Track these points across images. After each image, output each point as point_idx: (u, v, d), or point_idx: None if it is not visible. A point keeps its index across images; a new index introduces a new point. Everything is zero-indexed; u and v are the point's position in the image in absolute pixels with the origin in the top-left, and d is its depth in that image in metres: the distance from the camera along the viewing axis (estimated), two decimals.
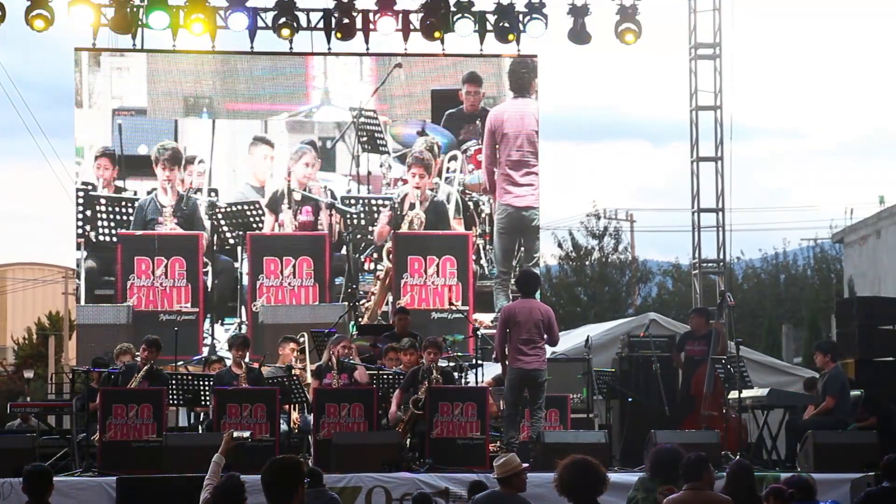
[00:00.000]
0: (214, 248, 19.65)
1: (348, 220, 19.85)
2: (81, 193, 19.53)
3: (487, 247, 19.98)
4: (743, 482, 9.56)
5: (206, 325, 19.55)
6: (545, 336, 14.45)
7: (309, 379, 15.36)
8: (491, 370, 16.96)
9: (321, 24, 18.89)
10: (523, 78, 20.05)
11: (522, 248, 20.02)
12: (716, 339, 16.39)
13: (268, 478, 7.37)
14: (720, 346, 16.59)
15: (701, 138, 20.58)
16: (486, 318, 19.33)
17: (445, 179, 19.91)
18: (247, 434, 10.06)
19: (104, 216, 19.44)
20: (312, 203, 19.79)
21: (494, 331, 15.43)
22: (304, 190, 19.70)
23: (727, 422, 15.76)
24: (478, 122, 20.08)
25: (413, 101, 20.08)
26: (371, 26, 18.91)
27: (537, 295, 15.73)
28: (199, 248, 19.57)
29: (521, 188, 20.00)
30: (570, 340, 20.36)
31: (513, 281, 18.65)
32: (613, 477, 13.18)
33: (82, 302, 19.67)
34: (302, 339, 16.28)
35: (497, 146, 19.95)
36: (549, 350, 15.33)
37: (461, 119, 20.07)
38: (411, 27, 19.07)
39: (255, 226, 19.68)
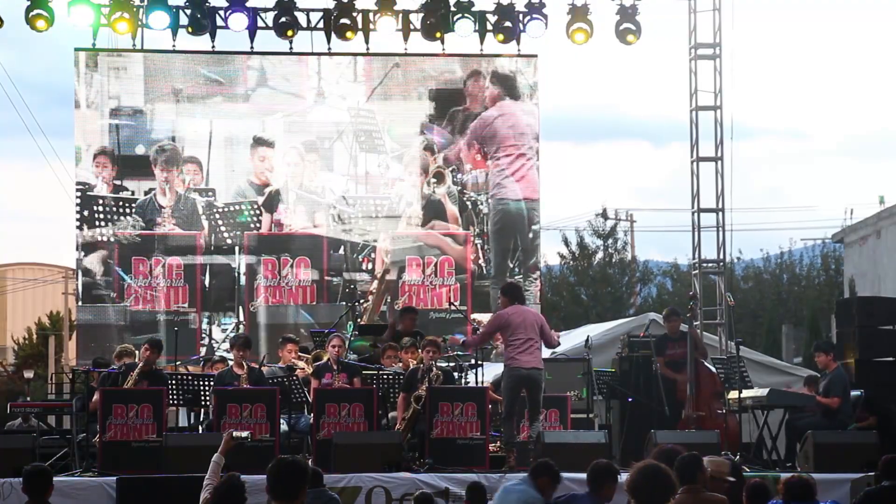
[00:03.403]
0: (212, 247, 19.64)
1: (346, 221, 19.87)
2: (80, 193, 19.52)
3: (486, 246, 19.97)
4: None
5: (204, 325, 19.54)
6: (539, 335, 14.47)
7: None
8: (491, 370, 16.95)
9: (321, 24, 18.92)
10: (515, 84, 20.03)
11: (520, 248, 19.95)
12: (692, 342, 16.29)
13: (274, 475, 7.38)
14: (699, 349, 16.50)
15: (701, 138, 20.57)
16: (484, 317, 19.31)
17: (437, 177, 19.92)
18: (246, 434, 10.06)
19: (103, 216, 19.44)
20: (308, 203, 19.81)
21: None
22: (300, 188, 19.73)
23: (726, 422, 15.74)
24: (476, 105, 20.04)
25: (412, 99, 20.07)
26: (371, 26, 18.91)
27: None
28: (196, 248, 19.57)
29: (516, 183, 19.98)
30: (570, 340, 20.37)
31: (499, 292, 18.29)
32: None
33: (80, 302, 19.67)
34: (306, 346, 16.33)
35: (483, 146, 19.93)
36: (548, 350, 15.31)
37: (464, 117, 20.04)
38: (411, 27, 19.08)
39: (252, 225, 19.68)
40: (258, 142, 19.82)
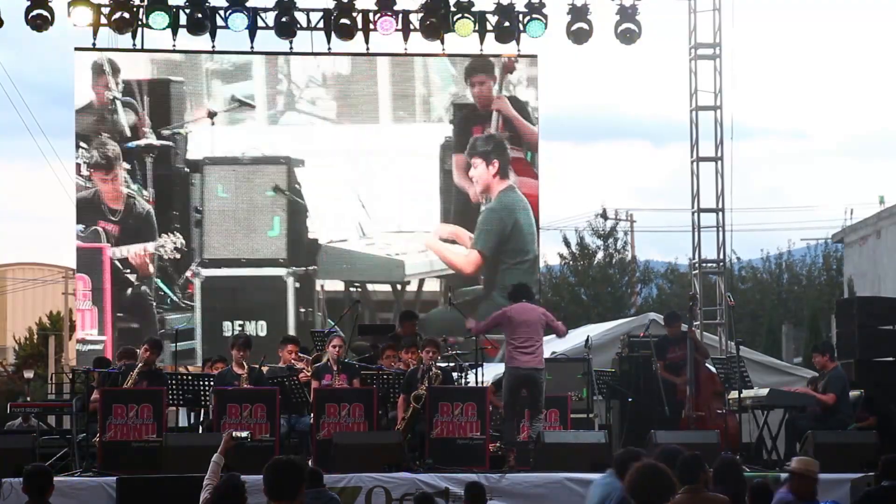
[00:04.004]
0: (244, 260, 19.85)
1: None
2: (80, 194, 19.57)
3: (486, 249, 20.04)
4: (731, 477, 9.49)
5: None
6: (542, 335, 14.48)
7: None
8: (491, 370, 16.95)
9: (321, 24, 18.93)
10: (527, 108, 20.14)
11: (521, 259, 20.03)
12: (691, 344, 16.30)
13: (270, 475, 7.38)
14: (700, 351, 16.49)
15: (701, 138, 20.57)
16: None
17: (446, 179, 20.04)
18: (245, 434, 10.06)
19: (103, 217, 19.52)
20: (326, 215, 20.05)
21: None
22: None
23: (726, 422, 15.73)
24: (489, 126, 20.04)
25: (425, 109, 20.15)
26: (371, 26, 18.92)
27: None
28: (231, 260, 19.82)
29: (523, 198, 20.05)
30: (570, 340, 20.32)
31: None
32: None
33: (79, 302, 19.78)
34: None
35: (489, 159, 20.02)
36: (548, 350, 15.32)
37: (471, 119, 20.08)
38: (411, 27, 19.08)
39: (268, 235, 19.89)
40: (280, 158, 19.92)
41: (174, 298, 19.51)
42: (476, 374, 15.72)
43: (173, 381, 15.11)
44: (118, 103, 19.59)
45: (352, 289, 19.85)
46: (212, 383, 15.00)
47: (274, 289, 19.62)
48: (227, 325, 19.33)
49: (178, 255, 19.54)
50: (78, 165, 19.57)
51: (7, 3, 17.74)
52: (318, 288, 19.71)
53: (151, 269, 19.47)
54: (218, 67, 19.87)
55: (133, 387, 14.57)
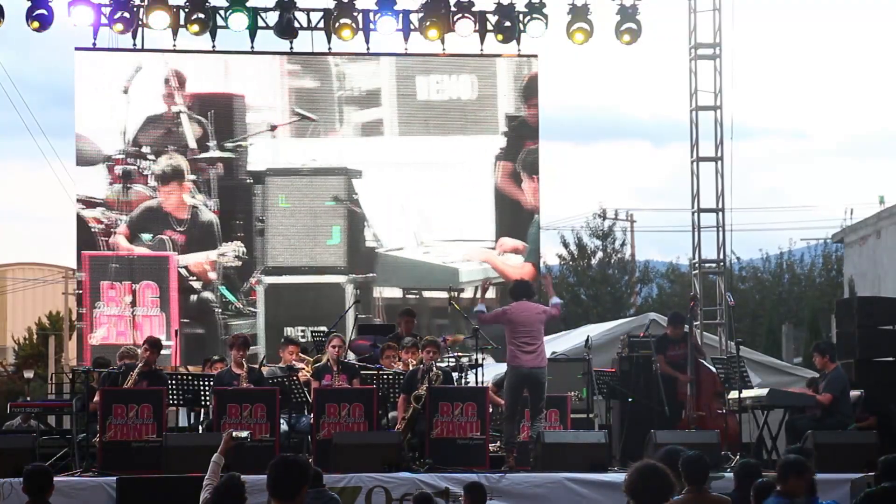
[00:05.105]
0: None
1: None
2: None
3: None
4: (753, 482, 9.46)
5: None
6: (543, 333, 14.52)
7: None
8: (491, 370, 16.96)
9: (321, 24, 18.94)
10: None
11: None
12: (692, 344, 16.32)
13: (274, 473, 7.37)
14: (699, 352, 16.51)
15: (701, 138, 20.60)
16: None
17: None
18: (245, 434, 10.06)
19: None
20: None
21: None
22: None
23: (726, 422, 15.73)
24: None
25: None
26: (371, 26, 18.92)
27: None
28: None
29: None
30: (570, 340, 20.40)
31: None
32: (613, 477, 13.25)
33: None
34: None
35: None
36: (548, 350, 15.33)
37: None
38: (411, 27, 19.09)
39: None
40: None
41: (238, 305, 19.71)
42: (476, 374, 15.73)
43: (173, 381, 15.11)
44: (184, 116, 19.70)
45: (409, 296, 20.08)
46: (211, 383, 15.01)
47: (333, 295, 19.81)
48: (289, 330, 19.44)
49: (238, 263, 19.75)
50: (145, 176, 19.70)
51: (7, 3, 17.75)
52: (375, 294, 19.92)
53: (214, 276, 19.69)
54: (350, 95, 20.11)
55: (133, 387, 14.58)
